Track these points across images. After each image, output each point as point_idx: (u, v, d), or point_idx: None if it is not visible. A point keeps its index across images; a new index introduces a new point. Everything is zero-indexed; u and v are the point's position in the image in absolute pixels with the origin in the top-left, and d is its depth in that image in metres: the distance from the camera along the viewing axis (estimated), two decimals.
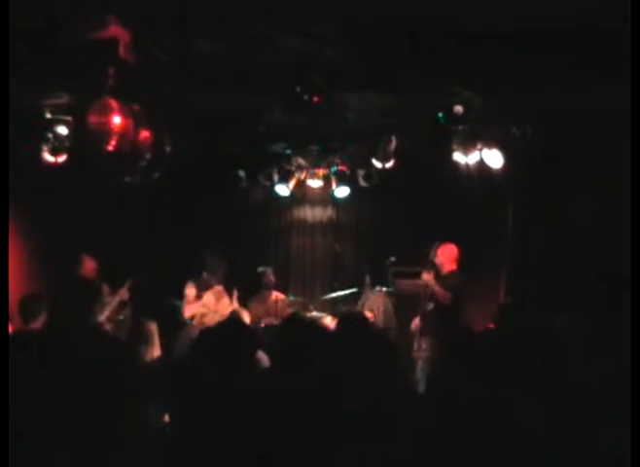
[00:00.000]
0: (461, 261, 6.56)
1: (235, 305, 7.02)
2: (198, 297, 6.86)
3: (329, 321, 7.16)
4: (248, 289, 7.57)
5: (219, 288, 6.95)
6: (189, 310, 6.83)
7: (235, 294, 7.07)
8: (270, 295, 7.79)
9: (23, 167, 6.36)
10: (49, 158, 6.23)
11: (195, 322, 6.74)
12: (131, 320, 6.60)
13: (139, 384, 2.73)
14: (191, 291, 6.88)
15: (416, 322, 6.67)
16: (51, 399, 2.22)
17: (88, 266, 6.67)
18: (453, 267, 6.54)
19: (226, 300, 6.97)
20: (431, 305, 6.49)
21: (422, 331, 6.50)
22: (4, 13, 3.19)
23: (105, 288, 6.85)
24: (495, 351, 3.06)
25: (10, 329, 5.23)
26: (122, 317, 6.75)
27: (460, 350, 3.15)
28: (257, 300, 7.70)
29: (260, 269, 7.92)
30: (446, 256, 6.56)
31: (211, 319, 6.51)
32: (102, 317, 6.59)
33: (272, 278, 7.87)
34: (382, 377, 2.70)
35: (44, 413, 2.21)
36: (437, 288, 6.38)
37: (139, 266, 7.09)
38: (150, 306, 6.53)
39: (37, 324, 4.88)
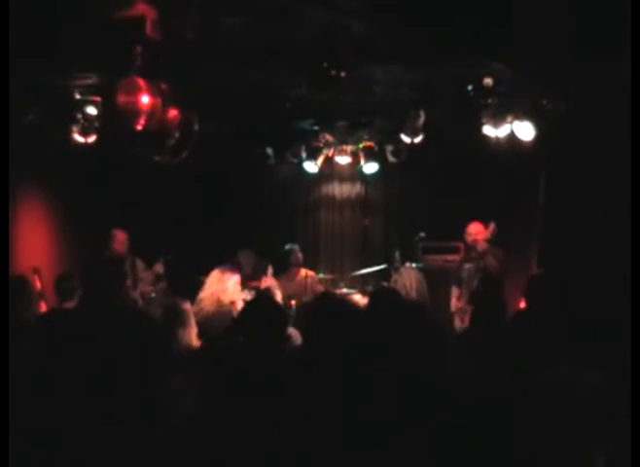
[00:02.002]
0: (493, 235, 6.47)
1: (270, 282, 7.04)
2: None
3: (359, 298, 7.16)
4: (277, 266, 7.60)
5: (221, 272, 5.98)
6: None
7: (270, 271, 7.09)
8: (299, 272, 7.81)
9: (54, 148, 6.45)
10: (79, 138, 6.28)
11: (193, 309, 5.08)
12: (164, 298, 6.65)
13: (174, 365, 2.74)
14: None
15: (457, 297, 6.61)
16: (80, 382, 2.24)
17: (120, 237, 6.75)
18: (484, 245, 6.46)
19: (228, 284, 5.89)
20: (475, 282, 6.37)
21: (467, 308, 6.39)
22: None
23: (139, 263, 6.94)
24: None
25: (44, 308, 5.34)
26: (153, 294, 6.82)
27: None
28: (285, 277, 7.72)
29: (287, 246, 7.93)
30: (477, 234, 6.52)
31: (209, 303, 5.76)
32: (137, 293, 6.68)
33: (300, 256, 7.87)
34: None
35: (72, 395, 2.23)
36: (489, 259, 6.31)
37: (171, 243, 7.15)
38: (182, 284, 6.58)
39: (72, 303, 4.96)
